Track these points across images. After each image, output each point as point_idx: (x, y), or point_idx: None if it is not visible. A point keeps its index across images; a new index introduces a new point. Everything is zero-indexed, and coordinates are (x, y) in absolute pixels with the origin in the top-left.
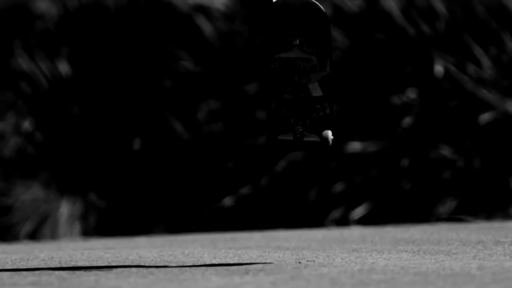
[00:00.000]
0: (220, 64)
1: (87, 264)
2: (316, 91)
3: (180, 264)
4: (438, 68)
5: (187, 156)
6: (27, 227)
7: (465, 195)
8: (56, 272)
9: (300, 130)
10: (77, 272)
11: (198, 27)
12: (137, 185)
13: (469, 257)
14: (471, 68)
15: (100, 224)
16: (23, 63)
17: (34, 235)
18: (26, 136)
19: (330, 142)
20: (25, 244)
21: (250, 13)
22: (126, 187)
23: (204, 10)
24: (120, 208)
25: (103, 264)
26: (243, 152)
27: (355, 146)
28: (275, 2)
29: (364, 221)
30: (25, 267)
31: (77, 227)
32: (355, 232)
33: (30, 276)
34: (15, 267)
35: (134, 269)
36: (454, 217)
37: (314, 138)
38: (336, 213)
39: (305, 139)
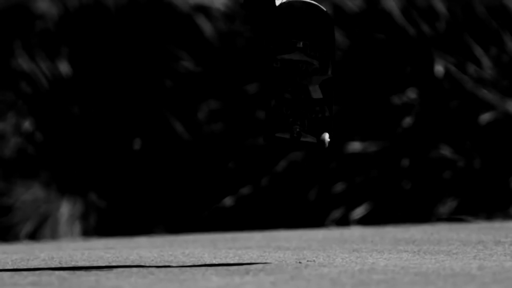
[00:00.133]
0: (220, 64)
1: (87, 264)
2: (316, 93)
3: (181, 264)
4: (439, 68)
5: (187, 156)
6: (27, 227)
7: (466, 195)
8: (57, 272)
9: (298, 130)
10: (78, 272)
11: (198, 27)
12: (137, 185)
13: (470, 257)
14: (472, 68)
15: (101, 224)
16: (24, 63)
17: (34, 235)
18: (26, 136)
19: (327, 144)
20: (26, 244)
21: (253, 16)
22: (126, 187)
23: (204, 10)
24: (120, 208)
25: (104, 264)
26: (244, 152)
27: (355, 146)
28: (280, 4)
29: (364, 221)
30: (25, 267)
31: (77, 227)
32: (355, 232)
33: (31, 276)
34: (15, 267)
35: (134, 269)
36: (454, 217)
37: (310, 139)
38: (336, 213)
39: (302, 139)
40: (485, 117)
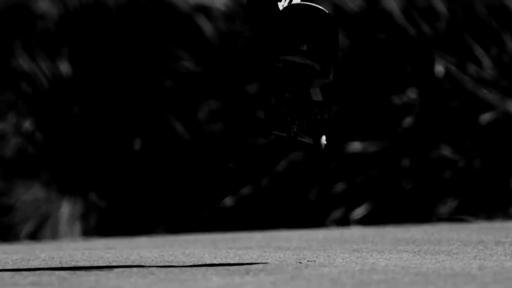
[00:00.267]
0: (221, 64)
1: (87, 264)
2: (316, 96)
3: (181, 264)
4: (439, 68)
5: (187, 156)
6: (27, 227)
7: (466, 195)
8: (57, 272)
9: (295, 129)
10: (78, 272)
11: (198, 27)
12: (137, 185)
13: (470, 257)
14: (472, 68)
15: (101, 224)
16: (24, 63)
17: (34, 235)
18: (26, 136)
19: (323, 146)
20: (26, 244)
21: (256, 20)
22: (126, 187)
23: (204, 10)
24: (120, 208)
25: (104, 264)
26: (244, 152)
27: (355, 146)
28: (287, 6)
29: (364, 221)
30: (26, 267)
31: (77, 227)
32: (355, 232)
33: (31, 276)
34: (16, 267)
35: (134, 269)
36: (454, 217)
37: (307, 140)
38: (336, 213)
39: (299, 138)
40: (486, 117)
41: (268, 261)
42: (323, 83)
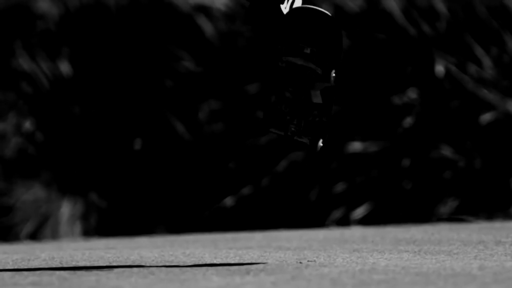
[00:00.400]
0: (221, 64)
1: (88, 264)
2: (317, 98)
3: (181, 264)
4: (439, 68)
5: (188, 156)
6: (28, 227)
7: (466, 195)
8: (57, 272)
9: (293, 129)
10: (78, 272)
11: (199, 27)
12: (138, 185)
13: (470, 257)
14: (472, 68)
15: (101, 224)
16: (24, 63)
17: (35, 235)
18: (27, 136)
19: (318, 148)
20: (26, 244)
21: (258, 23)
22: (127, 187)
23: (205, 10)
24: (121, 208)
25: (104, 264)
26: (244, 152)
27: (356, 146)
28: (295, 8)
29: (365, 221)
30: (26, 267)
31: (78, 227)
32: (356, 232)
33: (31, 276)
34: (16, 267)
35: (135, 269)
36: (455, 217)
37: (303, 140)
38: (337, 213)
39: (295, 138)
40: (486, 117)
41: (268, 261)
42: (324, 86)
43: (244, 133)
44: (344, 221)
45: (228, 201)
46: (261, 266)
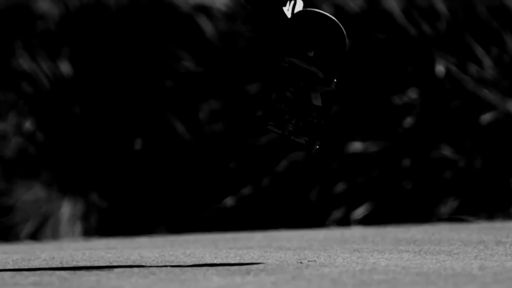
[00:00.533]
0: (221, 64)
1: (88, 264)
2: (317, 100)
3: (182, 264)
4: (439, 68)
5: (188, 156)
6: (28, 227)
7: (466, 195)
8: (57, 272)
9: (290, 128)
10: (78, 272)
11: (199, 27)
12: (138, 185)
13: (471, 257)
14: (473, 68)
15: (102, 224)
16: (24, 63)
17: (35, 235)
18: (27, 136)
19: (314, 150)
20: (27, 244)
21: (261, 24)
22: (127, 187)
23: (205, 10)
24: (121, 208)
25: (105, 264)
26: (244, 152)
27: (356, 146)
28: (300, 11)
29: (365, 221)
30: (26, 267)
31: (78, 227)
32: (356, 232)
33: (32, 276)
34: (16, 267)
35: (135, 269)
36: (455, 217)
37: (300, 140)
38: (337, 213)
39: (292, 137)
40: (486, 117)
41: (268, 261)
42: (324, 90)
43: (244, 133)
44: (345, 221)
45: (229, 201)
46: (261, 266)
